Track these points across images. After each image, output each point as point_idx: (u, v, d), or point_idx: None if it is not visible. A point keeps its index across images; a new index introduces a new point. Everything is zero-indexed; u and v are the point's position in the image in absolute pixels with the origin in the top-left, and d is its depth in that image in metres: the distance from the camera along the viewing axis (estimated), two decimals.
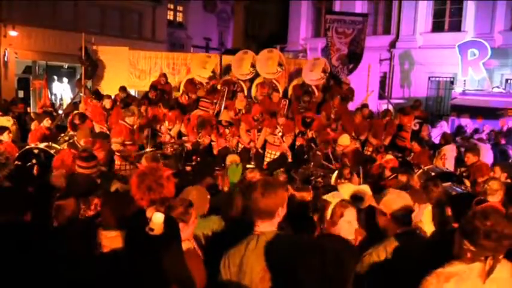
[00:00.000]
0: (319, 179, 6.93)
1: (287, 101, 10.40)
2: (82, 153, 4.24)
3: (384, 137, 9.42)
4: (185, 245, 2.67)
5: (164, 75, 11.29)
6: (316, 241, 2.15)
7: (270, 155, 8.91)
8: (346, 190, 4.17)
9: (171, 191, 2.86)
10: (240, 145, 9.20)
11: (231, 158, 6.49)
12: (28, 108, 13.90)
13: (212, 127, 9.02)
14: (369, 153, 9.11)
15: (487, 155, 8.45)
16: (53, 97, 18.00)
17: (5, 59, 17.91)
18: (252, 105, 9.64)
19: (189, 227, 2.76)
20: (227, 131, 8.99)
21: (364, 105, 10.23)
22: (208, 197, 3.46)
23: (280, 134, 8.88)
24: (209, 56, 11.79)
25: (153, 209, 2.51)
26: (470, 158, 6.52)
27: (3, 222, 2.70)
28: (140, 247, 2.37)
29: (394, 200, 2.85)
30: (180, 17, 26.22)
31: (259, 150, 9.09)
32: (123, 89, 10.76)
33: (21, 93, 18.86)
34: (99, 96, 10.02)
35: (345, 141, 8.19)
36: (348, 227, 2.74)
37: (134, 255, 2.41)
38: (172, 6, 25.38)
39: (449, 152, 7.94)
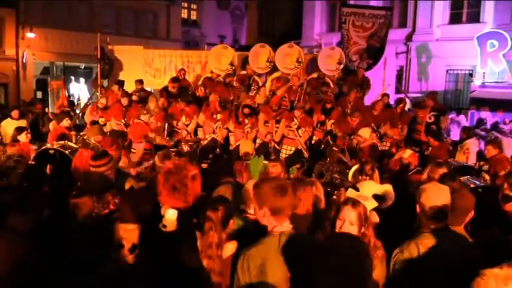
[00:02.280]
0: (336, 175, 6.84)
1: (303, 90, 10.36)
2: (92, 152, 4.28)
3: (401, 127, 9.31)
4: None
5: (183, 70, 11.35)
6: (332, 241, 2.08)
7: (286, 150, 8.83)
8: (367, 189, 4.04)
9: (197, 190, 2.83)
10: (258, 140, 9.15)
11: (245, 147, 6.33)
12: (46, 109, 14.10)
13: (231, 113, 9.05)
14: (386, 148, 8.98)
15: (509, 147, 8.24)
16: (71, 97, 18.25)
17: (24, 61, 18.24)
18: (271, 98, 9.63)
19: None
20: (246, 120, 8.94)
21: (384, 94, 10.13)
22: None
23: (296, 126, 8.80)
24: (225, 48, 11.75)
25: (168, 206, 2.50)
26: (490, 151, 6.36)
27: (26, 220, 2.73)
28: (153, 243, 2.37)
29: (434, 194, 2.76)
30: (194, 15, 26.32)
31: (276, 146, 8.99)
32: (139, 81, 10.87)
33: (39, 94, 19.13)
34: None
35: (365, 133, 8.06)
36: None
37: (148, 251, 2.41)
38: (186, 5, 25.49)
39: (472, 146, 7.78)
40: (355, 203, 2.65)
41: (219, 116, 9.11)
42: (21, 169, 4.07)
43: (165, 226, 2.26)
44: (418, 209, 2.79)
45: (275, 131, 8.97)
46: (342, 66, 10.83)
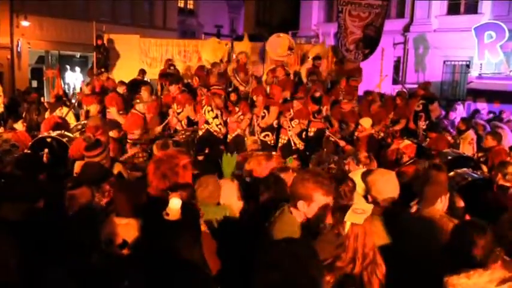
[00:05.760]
0: (332, 165, 6.84)
1: (292, 78, 10.43)
2: (85, 142, 4.27)
3: (394, 118, 9.34)
4: None
5: (170, 62, 11.19)
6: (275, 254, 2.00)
7: (283, 140, 8.85)
8: (359, 178, 4.04)
9: (187, 180, 2.81)
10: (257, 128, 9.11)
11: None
12: (42, 98, 13.99)
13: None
14: (379, 138, 8.99)
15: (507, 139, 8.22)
16: (66, 86, 18.11)
17: (18, 50, 18.05)
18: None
19: None
20: (237, 108, 8.90)
21: (368, 93, 10.11)
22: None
23: (290, 117, 8.79)
24: (219, 42, 11.71)
25: (176, 195, 2.48)
26: (488, 141, 6.39)
27: (18, 210, 2.69)
28: (155, 232, 2.35)
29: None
30: (190, 5, 26.10)
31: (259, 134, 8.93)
32: (142, 71, 10.81)
33: (34, 83, 19.01)
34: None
35: (366, 123, 8.06)
36: None
37: (149, 239, 2.38)
38: None
39: (473, 136, 7.76)
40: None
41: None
42: (16, 154, 4.04)
43: (167, 214, 2.23)
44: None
45: (262, 115, 8.95)
46: (293, 51, 10.90)
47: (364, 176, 3.10)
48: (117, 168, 4.10)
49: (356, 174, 4.13)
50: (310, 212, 2.43)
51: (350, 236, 2.21)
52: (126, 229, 2.47)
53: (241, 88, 10.14)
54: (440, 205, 2.98)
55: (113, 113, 9.02)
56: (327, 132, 8.82)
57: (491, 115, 11.91)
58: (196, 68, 10.93)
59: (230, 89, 9.64)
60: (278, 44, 10.91)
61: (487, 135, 6.65)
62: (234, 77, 10.34)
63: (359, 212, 2.23)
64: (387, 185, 2.84)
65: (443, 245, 2.47)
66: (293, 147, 8.69)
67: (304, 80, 10.69)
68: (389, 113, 9.45)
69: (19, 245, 2.10)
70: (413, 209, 3.05)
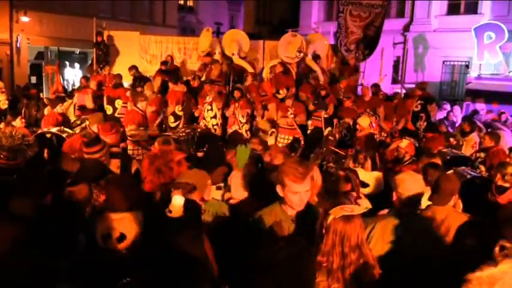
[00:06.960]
0: (331, 164, 6.87)
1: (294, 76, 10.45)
2: (84, 138, 4.25)
3: (396, 119, 9.36)
4: None
5: (169, 56, 11.36)
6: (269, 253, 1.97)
7: (283, 139, 8.85)
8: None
9: None
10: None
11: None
12: (41, 94, 13.98)
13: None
14: (382, 138, 9.03)
15: (508, 140, 8.20)
16: (65, 82, 18.09)
17: (18, 45, 17.99)
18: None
19: None
20: (236, 104, 8.95)
21: (374, 85, 10.16)
22: (209, 182, 3.18)
23: (292, 115, 8.83)
24: (207, 30, 11.72)
25: (178, 192, 2.50)
26: (486, 141, 6.41)
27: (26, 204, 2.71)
28: (158, 228, 2.37)
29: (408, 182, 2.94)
30: (190, 2, 26.05)
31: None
32: (134, 68, 10.81)
33: (33, 79, 18.96)
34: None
35: (364, 122, 8.10)
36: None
37: (151, 236, 2.40)
38: None
39: (477, 139, 7.64)
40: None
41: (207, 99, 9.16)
42: (31, 152, 4.02)
43: (170, 212, 2.25)
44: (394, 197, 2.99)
45: (261, 114, 9.05)
46: (301, 54, 10.75)
47: (393, 176, 3.27)
48: (135, 165, 4.08)
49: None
50: (288, 200, 2.45)
51: (330, 229, 2.18)
52: (122, 223, 2.48)
53: (250, 70, 10.19)
54: (452, 202, 3.02)
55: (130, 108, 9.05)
56: (325, 132, 8.88)
57: (490, 115, 11.91)
58: (199, 67, 10.97)
59: (236, 86, 9.69)
60: (290, 43, 10.84)
61: (484, 135, 6.66)
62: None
63: (347, 210, 2.22)
64: (415, 184, 2.93)
65: (452, 244, 2.50)
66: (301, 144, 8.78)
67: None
68: (392, 114, 9.48)
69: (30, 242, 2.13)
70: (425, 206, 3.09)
